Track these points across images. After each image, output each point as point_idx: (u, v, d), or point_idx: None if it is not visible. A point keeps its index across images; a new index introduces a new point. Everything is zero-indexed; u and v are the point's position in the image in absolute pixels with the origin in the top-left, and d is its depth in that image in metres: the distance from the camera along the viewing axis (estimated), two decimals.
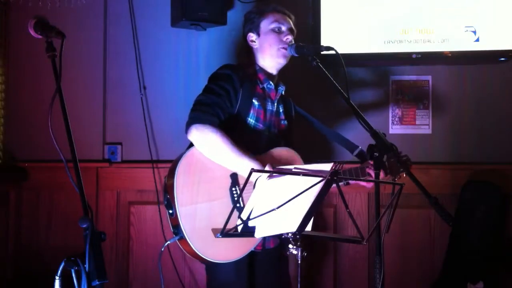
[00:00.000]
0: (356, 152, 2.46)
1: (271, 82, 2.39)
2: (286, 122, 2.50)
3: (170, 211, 2.12)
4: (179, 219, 2.08)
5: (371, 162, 2.33)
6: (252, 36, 2.43)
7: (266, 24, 2.39)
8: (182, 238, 2.09)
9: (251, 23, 2.43)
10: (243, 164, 2.15)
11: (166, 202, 2.14)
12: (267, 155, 2.29)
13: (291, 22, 2.42)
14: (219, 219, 2.10)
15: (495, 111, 3.29)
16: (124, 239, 3.26)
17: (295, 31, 2.43)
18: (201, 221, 2.11)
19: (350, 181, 2.40)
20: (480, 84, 3.29)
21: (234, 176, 2.21)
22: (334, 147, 3.21)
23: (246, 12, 2.54)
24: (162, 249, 2.19)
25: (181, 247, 2.16)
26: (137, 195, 3.27)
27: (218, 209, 2.14)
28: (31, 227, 3.25)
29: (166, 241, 2.20)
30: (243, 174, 2.17)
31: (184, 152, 2.19)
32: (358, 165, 2.40)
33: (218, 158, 2.18)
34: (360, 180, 2.40)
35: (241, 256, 2.18)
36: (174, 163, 2.16)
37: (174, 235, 2.13)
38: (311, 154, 2.42)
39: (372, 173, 2.29)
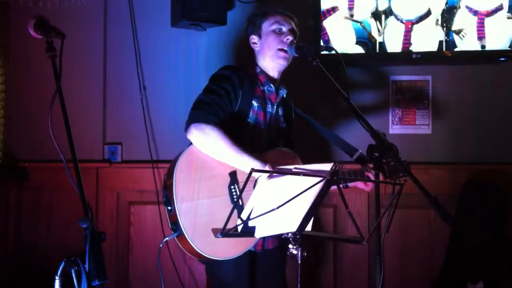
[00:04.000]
0: (355, 156, 2.46)
1: (271, 85, 2.39)
2: (285, 124, 2.49)
3: (169, 208, 2.12)
4: (178, 216, 2.08)
5: (371, 166, 2.33)
6: (254, 38, 2.43)
7: (267, 26, 2.39)
8: (181, 235, 2.10)
9: (253, 25, 2.43)
10: (243, 161, 2.15)
11: (165, 199, 2.15)
12: (267, 155, 2.30)
13: (293, 24, 2.41)
14: (218, 216, 2.11)
15: (495, 111, 3.29)
16: (124, 239, 3.26)
17: (297, 32, 2.42)
18: (200, 218, 2.11)
19: (349, 184, 2.40)
20: (480, 84, 3.29)
21: (233, 174, 2.21)
22: (334, 149, 3.21)
23: (249, 14, 2.53)
24: (161, 245, 2.19)
25: (179, 245, 2.16)
26: (137, 195, 3.27)
27: (217, 207, 2.14)
28: (31, 227, 3.25)
29: (165, 238, 2.20)
30: (244, 170, 2.17)
31: (184, 150, 2.19)
32: (357, 168, 2.40)
33: (218, 155, 2.18)
34: (360, 180, 2.40)
35: (239, 254, 2.18)
36: (174, 160, 2.17)
37: (173, 232, 2.14)
38: (311, 155, 2.41)
39: (371, 176, 2.29)
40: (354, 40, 3.14)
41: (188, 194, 2.12)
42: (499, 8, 3.08)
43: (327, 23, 3.14)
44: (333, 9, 3.14)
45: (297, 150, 2.45)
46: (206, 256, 2.11)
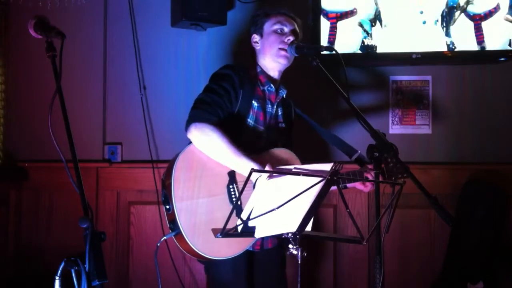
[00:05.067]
0: (354, 157, 2.46)
1: (272, 85, 2.39)
2: (284, 125, 2.49)
3: (167, 207, 2.13)
4: (176, 214, 2.08)
5: (370, 167, 2.33)
6: (255, 37, 2.43)
7: (269, 26, 2.39)
8: (178, 234, 2.10)
9: (255, 25, 2.43)
10: (241, 164, 2.15)
11: (163, 198, 2.15)
12: (266, 155, 2.30)
13: (295, 25, 2.41)
14: (216, 215, 2.12)
15: (495, 111, 3.29)
16: (124, 239, 3.26)
17: (299, 34, 2.42)
18: (198, 217, 2.11)
19: (348, 185, 2.40)
20: (480, 84, 3.29)
21: (231, 174, 2.21)
22: (334, 149, 3.20)
23: (251, 14, 2.53)
24: (158, 244, 2.18)
25: (177, 244, 2.16)
26: (137, 195, 3.27)
27: (215, 206, 2.14)
28: (31, 227, 3.25)
29: (162, 237, 2.20)
30: (241, 173, 2.18)
31: (183, 149, 2.19)
32: (356, 169, 2.40)
33: (217, 156, 2.18)
34: (360, 180, 2.40)
35: (238, 253, 2.18)
36: (172, 160, 2.17)
37: (171, 231, 2.13)
38: (310, 156, 2.42)
39: (370, 177, 2.29)
40: (360, 42, 3.14)
41: (186, 192, 2.12)
42: (496, 9, 3.08)
43: (340, 24, 3.14)
44: (351, 12, 3.14)
45: (296, 150, 2.45)
46: (204, 255, 2.11)
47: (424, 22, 3.10)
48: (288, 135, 2.55)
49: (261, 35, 2.41)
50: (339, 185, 1.80)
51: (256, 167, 2.13)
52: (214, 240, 2.00)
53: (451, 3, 3.10)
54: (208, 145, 2.17)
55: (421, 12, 3.11)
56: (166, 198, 2.13)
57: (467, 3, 3.06)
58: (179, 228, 2.08)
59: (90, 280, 1.45)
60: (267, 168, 2.15)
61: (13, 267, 3.23)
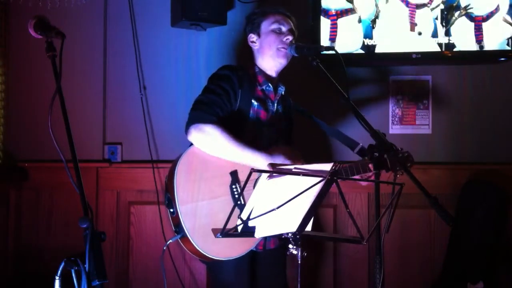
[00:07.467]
0: (357, 149, 2.46)
1: (270, 84, 2.39)
2: (285, 122, 2.50)
3: (171, 210, 2.13)
4: (180, 218, 2.09)
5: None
6: (253, 37, 2.43)
7: (267, 25, 2.39)
8: (184, 237, 2.10)
9: (252, 24, 2.43)
10: (247, 156, 2.16)
11: (167, 202, 2.15)
12: (273, 150, 2.28)
13: (291, 24, 2.42)
14: (220, 216, 2.11)
15: (495, 111, 3.29)
16: (124, 239, 3.26)
17: (296, 32, 2.43)
18: (202, 219, 2.12)
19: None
20: (480, 84, 3.29)
21: (234, 174, 2.21)
22: (335, 146, 3.21)
23: (247, 13, 2.53)
24: (164, 248, 2.19)
25: (183, 246, 2.16)
26: (137, 195, 3.27)
27: (219, 207, 2.15)
28: (31, 227, 3.25)
29: (168, 240, 2.20)
30: (248, 165, 2.17)
31: (184, 151, 2.19)
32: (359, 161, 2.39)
33: (221, 153, 2.18)
34: (360, 180, 2.39)
35: (242, 254, 2.19)
36: (174, 162, 2.17)
37: (176, 234, 2.14)
38: (311, 152, 2.42)
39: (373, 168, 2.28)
40: (361, 41, 3.14)
41: (189, 195, 2.12)
42: (496, 10, 3.08)
43: (340, 22, 3.14)
44: (351, 11, 3.13)
45: (297, 146, 2.45)
46: (209, 256, 2.12)
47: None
48: (289, 133, 2.55)
49: (259, 35, 2.41)
50: (339, 185, 1.80)
51: (261, 158, 2.15)
52: (220, 241, 2.00)
53: (450, 2, 3.10)
54: (210, 144, 2.17)
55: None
56: (170, 201, 2.13)
57: (468, 5, 3.06)
58: (184, 232, 2.08)
59: (90, 280, 1.45)
60: (267, 168, 2.15)
61: (13, 267, 3.23)
